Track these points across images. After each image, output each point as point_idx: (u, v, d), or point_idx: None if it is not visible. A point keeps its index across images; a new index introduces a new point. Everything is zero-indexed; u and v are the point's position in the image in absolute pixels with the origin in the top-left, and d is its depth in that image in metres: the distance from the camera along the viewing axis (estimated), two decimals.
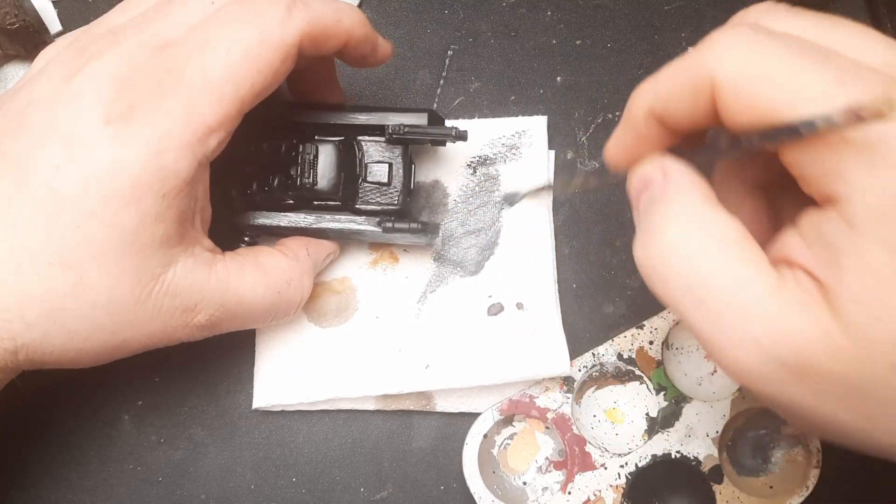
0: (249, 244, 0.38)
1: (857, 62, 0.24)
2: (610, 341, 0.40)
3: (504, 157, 0.42)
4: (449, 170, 0.42)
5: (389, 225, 0.37)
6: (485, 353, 0.40)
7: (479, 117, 0.43)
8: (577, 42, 0.45)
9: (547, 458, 0.40)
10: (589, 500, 0.39)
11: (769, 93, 0.24)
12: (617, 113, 0.44)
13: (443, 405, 0.40)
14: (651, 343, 0.40)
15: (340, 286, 0.41)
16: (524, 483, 0.40)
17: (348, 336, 0.41)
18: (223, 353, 0.41)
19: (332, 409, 0.41)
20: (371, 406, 0.40)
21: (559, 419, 0.39)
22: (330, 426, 0.41)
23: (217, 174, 0.33)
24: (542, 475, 0.40)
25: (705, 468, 0.39)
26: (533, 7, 0.45)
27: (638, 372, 0.40)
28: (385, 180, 0.38)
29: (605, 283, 0.42)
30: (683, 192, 0.27)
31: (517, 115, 0.43)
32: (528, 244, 0.41)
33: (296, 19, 0.32)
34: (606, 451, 0.39)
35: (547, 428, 0.40)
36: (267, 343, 0.41)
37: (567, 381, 0.40)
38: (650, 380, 0.40)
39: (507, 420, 0.40)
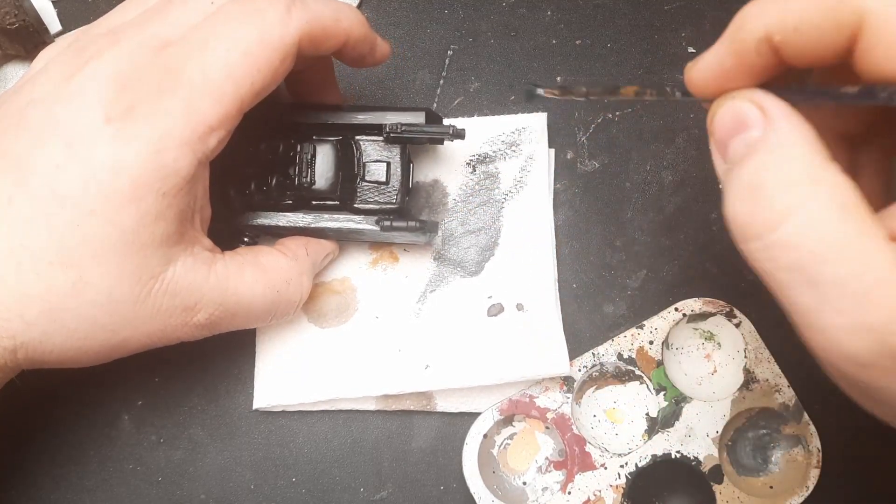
0: (249, 244, 0.38)
1: None
2: (610, 341, 0.40)
3: (504, 154, 0.42)
4: (448, 169, 0.42)
5: (388, 223, 0.37)
6: (485, 353, 0.40)
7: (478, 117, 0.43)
8: (577, 42, 0.45)
9: (547, 458, 0.40)
10: (589, 500, 0.39)
11: None
12: (617, 113, 0.44)
13: (443, 405, 0.40)
14: (651, 343, 0.40)
15: (340, 286, 0.41)
16: (524, 483, 0.40)
17: (348, 336, 0.41)
18: (223, 353, 0.41)
19: (332, 409, 0.41)
20: (371, 406, 0.40)
21: (559, 419, 0.39)
22: (330, 426, 0.41)
23: (216, 174, 0.33)
24: (542, 475, 0.40)
25: (705, 468, 0.39)
26: (533, 7, 0.45)
27: (638, 372, 0.40)
28: (383, 179, 0.38)
29: (605, 283, 0.42)
30: (793, 142, 0.23)
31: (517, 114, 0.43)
32: (528, 244, 0.41)
33: (295, 19, 0.32)
34: (606, 451, 0.39)
35: (547, 428, 0.40)
36: (267, 343, 0.41)
37: (567, 381, 0.40)
38: (650, 380, 0.40)
39: (507, 420, 0.40)
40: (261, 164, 0.37)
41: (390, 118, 0.37)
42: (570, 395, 0.40)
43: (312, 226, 0.38)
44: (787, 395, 0.39)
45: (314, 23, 0.32)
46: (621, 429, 0.40)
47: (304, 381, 0.40)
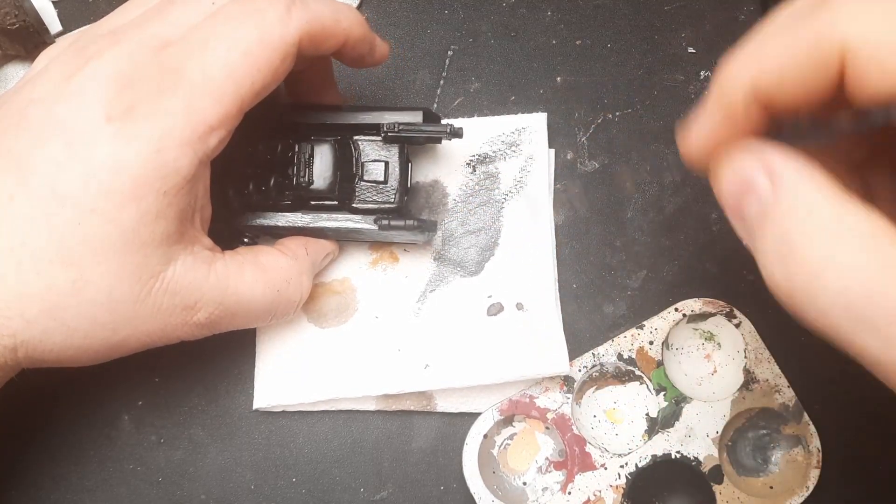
0: (249, 244, 0.38)
1: None
2: (610, 341, 0.40)
3: (504, 154, 0.42)
4: (448, 169, 0.42)
5: (386, 223, 0.37)
6: (484, 352, 0.40)
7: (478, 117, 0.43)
8: (577, 42, 0.45)
9: (547, 459, 0.40)
10: (589, 500, 0.39)
11: None
12: (617, 113, 0.44)
13: (443, 405, 0.40)
14: (651, 343, 0.40)
15: (340, 287, 0.41)
16: (524, 483, 0.40)
17: (348, 336, 0.41)
18: (223, 353, 0.41)
19: (332, 409, 0.41)
20: (371, 406, 0.40)
21: (559, 419, 0.39)
22: (330, 426, 0.41)
23: (215, 175, 0.33)
24: (542, 475, 0.40)
25: (705, 468, 0.39)
26: (533, 7, 0.45)
27: (638, 372, 0.40)
28: (381, 179, 0.38)
29: (605, 283, 0.42)
30: (805, 192, 0.23)
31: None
32: (528, 244, 0.41)
33: (295, 19, 0.32)
34: (606, 451, 0.39)
35: (547, 428, 0.40)
36: (267, 343, 0.41)
37: (567, 381, 0.40)
38: (650, 380, 0.40)
39: (507, 420, 0.40)
40: (259, 164, 0.37)
41: (388, 118, 0.37)
42: (570, 395, 0.40)
43: (311, 226, 0.38)
44: (787, 395, 0.39)
45: (314, 23, 0.32)
46: (621, 429, 0.40)
47: (304, 381, 0.40)
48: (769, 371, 0.40)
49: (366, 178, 0.38)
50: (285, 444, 0.41)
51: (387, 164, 0.38)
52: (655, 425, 0.40)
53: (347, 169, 0.38)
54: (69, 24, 0.45)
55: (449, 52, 0.44)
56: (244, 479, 0.40)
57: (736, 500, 0.38)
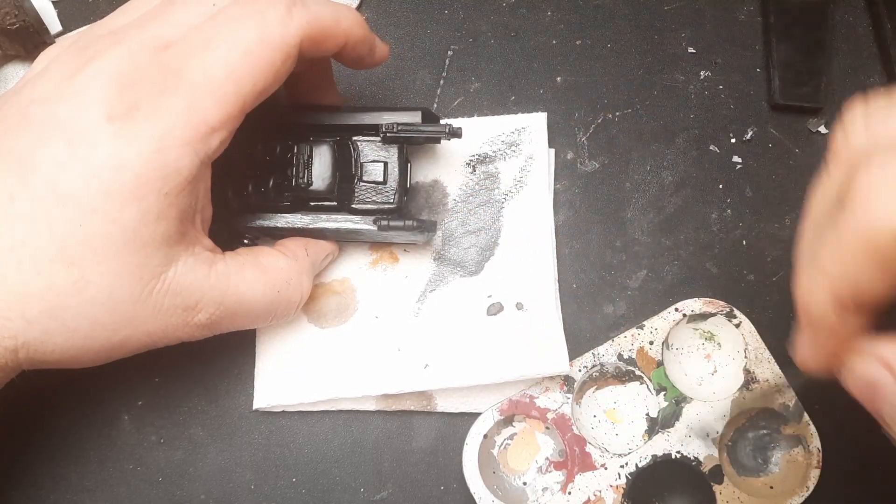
0: (249, 245, 0.38)
1: None
2: (610, 341, 0.40)
3: (504, 154, 0.42)
4: (448, 169, 0.42)
5: (385, 223, 0.37)
6: (484, 352, 0.40)
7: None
8: (577, 42, 0.45)
9: (547, 459, 0.40)
10: (589, 500, 0.39)
11: None
12: (617, 113, 0.44)
13: (443, 405, 0.40)
14: (651, 343, 0.40)
15: (340, 287, 0.41)
16: (524, 483, 0.40)
17: (348, 336, 0.41)
18: (223, 354, 0.41)
19: (332, 409, 0.41)
20: (371, 406, 0.40)
21: (559, 419, 0.39)
22: (330, 426, 0.41)
23: (214, 176, 0.33)
24: (542, 475, 0.40)
25: (705, 468, 0.39)
26: (533, 7, 0.45)
27: (638, 372, 0.40)
28: (381, 179, 0.38)
29: (605, 283, 0.42)
30: None
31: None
32: (529, 244, 0.41)
33: (296, 20, 0.32)
34: (606, 451, 0.39)
35: (547, 428, 0.40)
36: (267, 344, 0.41)
37: (567, 381, 0.40)
38: (650, 380, 0.40)
39: (507, 420, 0.40)
40: (258, 165, 0.37)
41: (387, 118, 0.37)
42: (570, 395, 0.40)
43: (310, 226, 0.38)
44: (787, 395, 0.39)
45: (315, 24, 0.32)
46: (621, 429, 0.40)
47: (304, 381, 0.40)
48: (769, 371, 0.40)
49: (365, 178, 0.38)
50: (285, 444, 0.41)
51: (386, 164, 0.38)
52: (655, 425, 0.40)
53: (346, 170, 0.38)
54: (69, 25, 0.45)
55: (449, 52, 0.44)
56: (244, 479, 0.40)
57: (736, 500, 0.38)
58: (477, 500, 0.38)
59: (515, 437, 0.40)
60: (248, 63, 0.31)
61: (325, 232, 0.38)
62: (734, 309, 0.40)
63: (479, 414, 0.39)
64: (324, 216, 0.38)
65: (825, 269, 0.24)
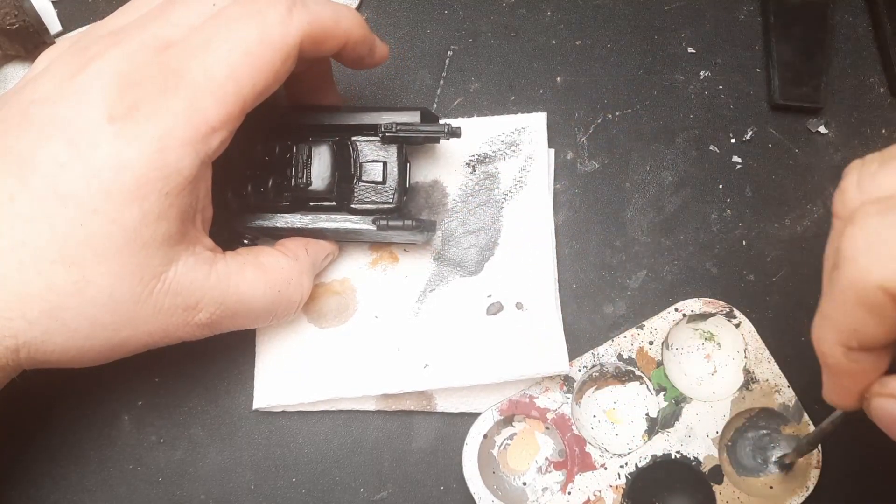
0: (249, 245, 0.38)
1: None
2: (610, 341, 0.40)
3: (504, 154, 0.42)
4: (448, 169, 0.42)
5: (384, 223, 0.37)
6: (484, 352, 0.40)
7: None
8: (577, 42, 0.45)
9: (547, 459, 0.40)
10: (589, 500, 0.39)
11: None
12: (617, 113, 0.44)
13: (443, 405, 0.40)
14: (651, 343, 0.40)
15: (340, 287, 0.41)
16: (524, 483, 0.40)
17: (348, 336, 0.41)
18: (223, 354, 0.41)
19: (332, 409, 0.41)
20: (371, 406, 0.40)
21: (559, 419, 0.39)
22: (330, 426, 0.41)
23: (214, 176, 0.33)
24: (542, 475, 0.40)
25: (705, 468, 0.39)
26: (533, 7, 0.45)
27: (638, 372, 0.40)
28: (380, 179, 0.38)
29: (605, 283, 0.42)
30: None
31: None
32: (528, 244, 0.41)
33: (296, 20, 0.32)
34: (606, 451, 0.39)
35: (547, 428, 0.40)
36: (267, 344, 0.41)
37: (567, 381, 0.40)
38: (650, 380, 0.40)
39: (507, 420, 0.40)
40: (257, 165, 0.37)
41: (386, 118, 0.37)
42: (570, 395, 0.40)
43: (310, 227, 0.38)
44: (787, 395, 0.39)
45: (315, 24, 0.32)
46: (621, 429, 0.40)
47: (304, 381, 0.40)
48: (769, 371, 0.40)
49: (364, 178, 0.38)
50: (285, 444, 0.41)
51: (385, 164, 0.38)
52: (655, 425, 0.40)
53: (346, 169, 0.38)
54: (69, 25, 0.45)
55: (449, 52, 0.44)
56: (244, 479, 0.40)
57: (736, 500, 0.38)
58: (477, 500, 0.38)
59: (515, 437, 0.40)
60: (248, 63, 0.31)
61: (324, 232, 0.38)
62: (734, 309, 0.40)
63: (478, 414, 0.39)
64: (323, 216, 0.38)
65: (829, 318, 0.26)
